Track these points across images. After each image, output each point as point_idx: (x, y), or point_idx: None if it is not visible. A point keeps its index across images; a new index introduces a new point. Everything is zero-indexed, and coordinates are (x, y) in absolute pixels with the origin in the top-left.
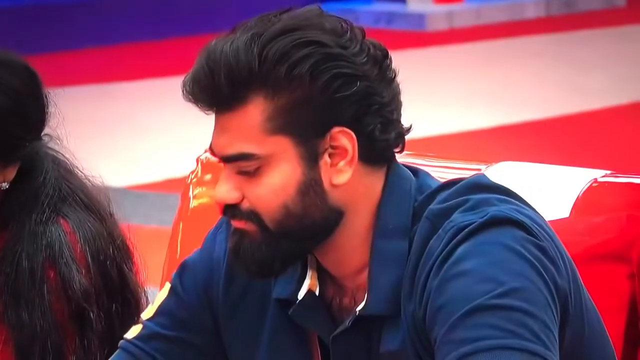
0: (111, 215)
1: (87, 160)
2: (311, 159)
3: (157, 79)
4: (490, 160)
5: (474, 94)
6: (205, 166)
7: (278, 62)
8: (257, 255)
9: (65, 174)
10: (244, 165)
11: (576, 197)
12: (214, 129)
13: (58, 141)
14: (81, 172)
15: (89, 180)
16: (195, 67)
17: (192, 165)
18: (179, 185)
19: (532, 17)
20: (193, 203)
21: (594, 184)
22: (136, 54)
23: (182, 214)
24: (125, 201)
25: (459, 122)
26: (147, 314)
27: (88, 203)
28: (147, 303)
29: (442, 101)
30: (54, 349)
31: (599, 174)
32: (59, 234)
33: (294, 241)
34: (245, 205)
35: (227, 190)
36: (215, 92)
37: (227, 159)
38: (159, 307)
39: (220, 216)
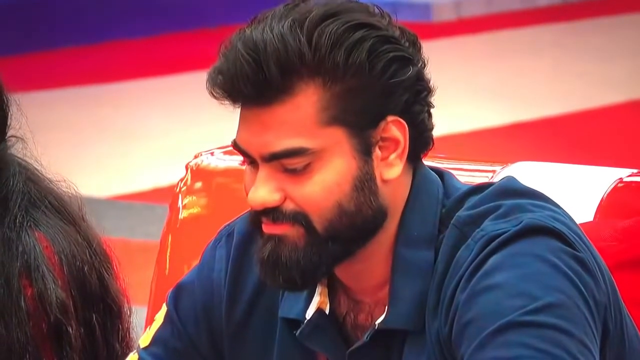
0: (83, 219)
1: (66, 169)
2: (365, 152)
3: (143, 79)
4: (505, 160)
5: (485, 88)
6: (195, 173)
7: (333, 46)
8: (303, 262)
9: (32, 177)
10: (293, 162)
11: (600, 198)
12: (248, 125)
13: (22, 144)
14: (46, 177)
15: (54, 184)
16: (229, 59)
17: (181, 173)
18: (167, 195)
19: (546, 4)
20: (182, 214)
21: (620, 184)
22: (120, 53)
23: (170, 225)
24: (109, 213)
25: (469, 120)
26: (144, 340)
27: (59, 207)
28: (130, 313)
29: (451, 97)
30: None
31: (624, 173)
32: (34, 245)
33: (342, 244)
34: (288, 206)
35: (268, 191)
36: (262, 83)
37: (273, 157)
38: (155, 335)
39: (216, 226)
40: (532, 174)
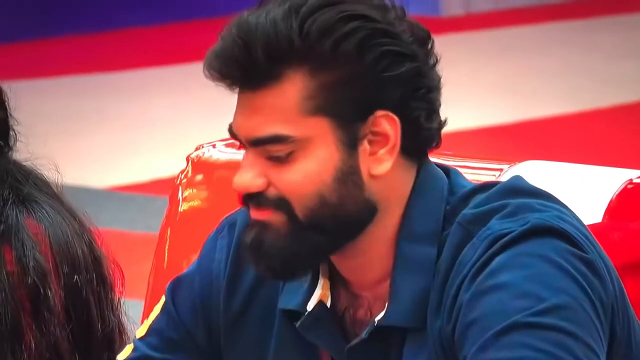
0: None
1: (66, 159)
2: (350, 145)
3: (144, 69)
4: (512, 159)
5: (493, 85)
6: (197, 165)
7: (322, 36)
8: (283, 249)
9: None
10: (276, 149)
11: (609, 200)
12: (240, 109)
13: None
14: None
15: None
16: (224, 42)
17: (181, 165)
18: (167, 187)
19: (556, 2)
20: (182, 206)
21: (629, 186)
22: (122, 42)
23: (170, 218)
24: (109, 204)
25: (477, 117)
26: (140, 331)
27: (40, 184)
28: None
29: (459, 94)
30: (10, 323)
31: (634, 174)
32: (18, 218)
33: (324, 235)
34: (272, 192)
35: (252, 176)
36: (250, 67)
37: (257, 142)
38: (151, 325)
39: (216, 219)
40: (540, 173)
